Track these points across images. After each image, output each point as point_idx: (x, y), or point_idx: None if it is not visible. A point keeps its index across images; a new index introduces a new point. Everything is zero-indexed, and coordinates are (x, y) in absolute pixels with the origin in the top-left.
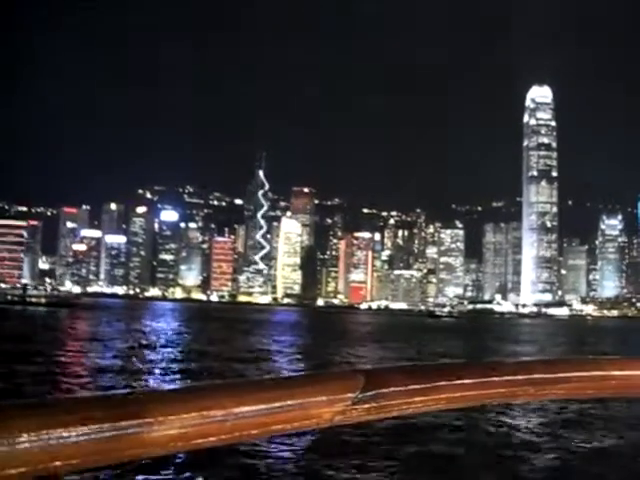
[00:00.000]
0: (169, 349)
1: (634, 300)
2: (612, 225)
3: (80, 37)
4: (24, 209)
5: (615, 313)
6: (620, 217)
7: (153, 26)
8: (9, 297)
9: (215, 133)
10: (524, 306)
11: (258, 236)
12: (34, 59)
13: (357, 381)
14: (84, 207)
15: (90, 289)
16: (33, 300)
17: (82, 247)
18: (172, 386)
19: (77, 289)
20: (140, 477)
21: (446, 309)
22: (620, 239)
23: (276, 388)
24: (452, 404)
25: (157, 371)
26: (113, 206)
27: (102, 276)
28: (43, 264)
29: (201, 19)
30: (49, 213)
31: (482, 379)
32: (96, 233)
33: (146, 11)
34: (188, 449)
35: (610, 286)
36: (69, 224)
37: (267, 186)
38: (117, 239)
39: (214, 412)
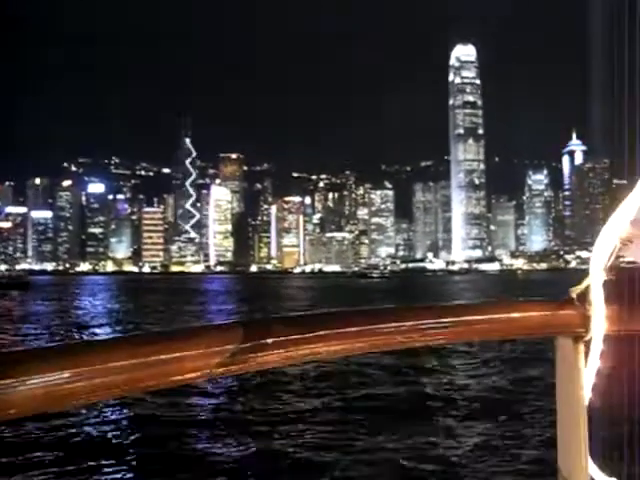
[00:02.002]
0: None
1: (561, 252)
2: (538, 180)
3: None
4: None
5: (544, 266)
6: (545, 172)
7: None
8: None
9: (138, 102)
10: (453, 263)
11: (188, 205)
12: None
13: (235, 333)
14: (7, 183)
15: (18, 267)
16: None
17: (7, 224)
18: (36, 345)
19: (3, 267)
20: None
21: (378, 270)
22: (546, 194)
23: (148, 343)
24: (338, 353)
25: None
26: (37, 181)
27: (30, 253)
28: None
29: None
30: None
31: (367, 326)
32: (21, 209)
33: None
34: (56, 408)
35: (538, 240)
36: None
37: (194, 154)
38: (43, 214)
39: (83, 369)
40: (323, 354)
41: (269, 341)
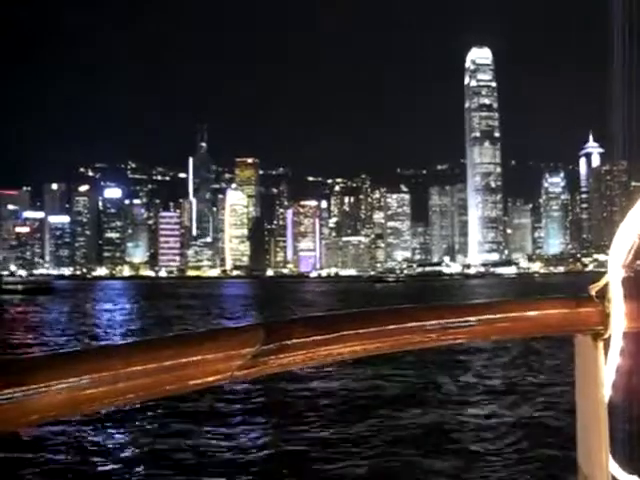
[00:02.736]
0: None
1: (579, 256)
2: (555, 183)
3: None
4: None
5: (561, 269)
6: (562, 175)
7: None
8: None
9: (155, 107)
10: (468, 267)
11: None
12: None
13: (256, 335)
14: (25, 188)
15: (36, 272)
16: (9, 287)
17: (25, 229)
18: (58, 351)
19: (22, 272)
20: None
21: (393, 274)
22: (563, 197)
23: (169, 346)
24: (359, 353)
25: None
26: (54, 186)
27: (47, 258)
28: None
29: None
30: None
31: (388, 326)
32: (39, 214)
33: None
34: (78, 413)
35: (555, 243)
36: (10, 206)
37: (210, 158)
38: (61, 219)
39: (104, 374)
40: (344, 355)
41: (290, 342)
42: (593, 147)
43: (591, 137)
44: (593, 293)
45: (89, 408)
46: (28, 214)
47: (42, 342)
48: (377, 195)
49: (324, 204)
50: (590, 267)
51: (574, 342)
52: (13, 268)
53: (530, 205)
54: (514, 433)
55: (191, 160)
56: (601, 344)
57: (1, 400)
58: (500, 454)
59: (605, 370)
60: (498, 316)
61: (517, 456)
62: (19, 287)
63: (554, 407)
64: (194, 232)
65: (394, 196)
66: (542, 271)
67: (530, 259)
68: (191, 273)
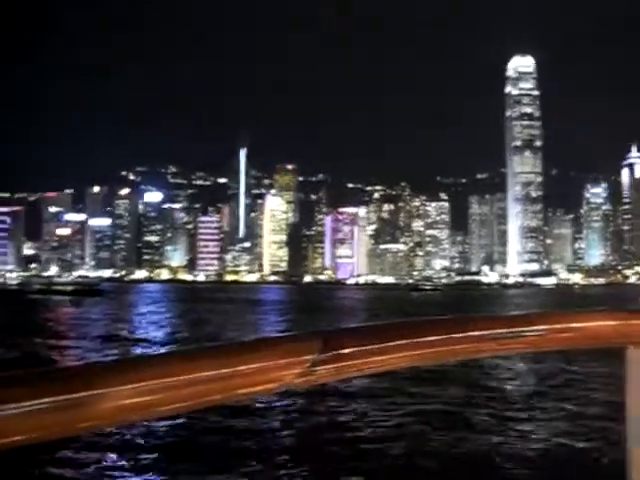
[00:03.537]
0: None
1: (620, 267)
2: (596, 193)
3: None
4: (6, 195)
5: (602, 281)
6: (604, 185)
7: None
8: (37, 286)
9: (196, 112)
10: (507, 277)
11: (241, 217)
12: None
13: (315, 343)
14: (67, 191)
15: (76, 273)
16: (59, 288)
17: (66, 231)
18: (124, 356)
19: (66, 274)
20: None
21: (431, 282)
22: (604, 207)
23: (230, 353)
24: (414, 362)
25: None
26: (96, 189)
27: (87, 260)
28: (27, 250)
29: None
30: (32, 198)
31: (443, 336)
32: (80, 217)
33: None
34: (142, 419)
35: (596, 254)
36: (52, 208)
37: (249, 164)
38: (101, 222)
39: (166, 380)
40: (400, 364)
41: (346, 351)
42: (636, 158)
43: (634, 148)
44: None
45: (152, 414)
46: (70, 216)
47: (99, 348)
48: (416, 203)
49: (363, 211)
50: (632, 279)
51: (625, 354)
52: (55, 269)
53: (571, 215)
54: (560, 448)
55: (231, 165)
56: None
57: (68, 405)
58: (549, 471)
59: None
60: (549, 327)
61: (567, 475)
62: (68, 288)
63: (600, 419)
64: (233, 237)
65: (433, 204)
66: (582, 282)
67: (570, 270)
68: (229, 278)
